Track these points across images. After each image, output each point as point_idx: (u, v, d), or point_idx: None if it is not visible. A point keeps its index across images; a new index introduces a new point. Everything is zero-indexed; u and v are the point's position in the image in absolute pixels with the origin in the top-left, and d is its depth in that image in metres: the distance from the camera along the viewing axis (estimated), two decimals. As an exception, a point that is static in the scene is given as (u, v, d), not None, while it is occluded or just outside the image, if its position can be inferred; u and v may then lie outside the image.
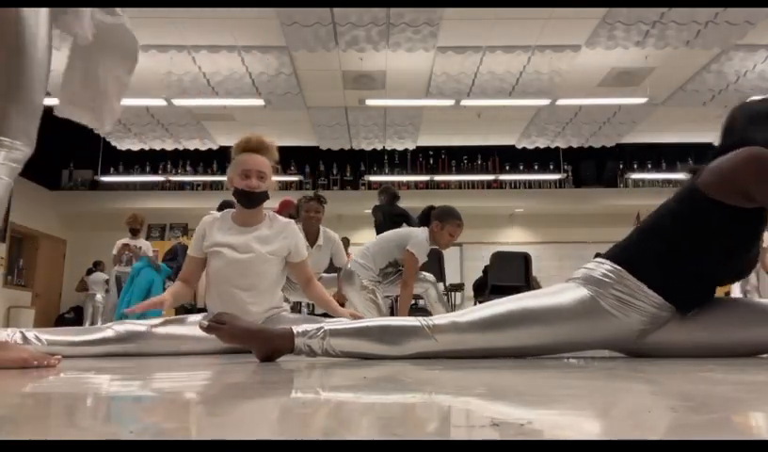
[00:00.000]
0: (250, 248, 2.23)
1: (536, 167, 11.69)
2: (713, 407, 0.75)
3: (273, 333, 1.64)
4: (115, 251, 6.77)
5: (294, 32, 6.21)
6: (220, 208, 6.19)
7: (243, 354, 2.26)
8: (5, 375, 1.23)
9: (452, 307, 7.13)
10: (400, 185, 10.51)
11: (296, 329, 1.62)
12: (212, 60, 6.93)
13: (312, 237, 3.72)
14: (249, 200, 2.22)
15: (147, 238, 11.18)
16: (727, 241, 1.52)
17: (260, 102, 7.91)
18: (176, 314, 5.58)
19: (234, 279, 2.23)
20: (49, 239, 11.40)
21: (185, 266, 2.37)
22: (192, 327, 2.24)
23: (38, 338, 1.91)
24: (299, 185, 11.25)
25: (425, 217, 3.50)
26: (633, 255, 1.57)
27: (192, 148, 10.12)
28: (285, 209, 5.08)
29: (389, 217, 5.42)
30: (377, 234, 5.31)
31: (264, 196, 2.25)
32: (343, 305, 2.91)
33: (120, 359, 1.93)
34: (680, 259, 1.50)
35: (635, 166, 11.56)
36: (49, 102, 1.45)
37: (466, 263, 11.19)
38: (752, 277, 6.15)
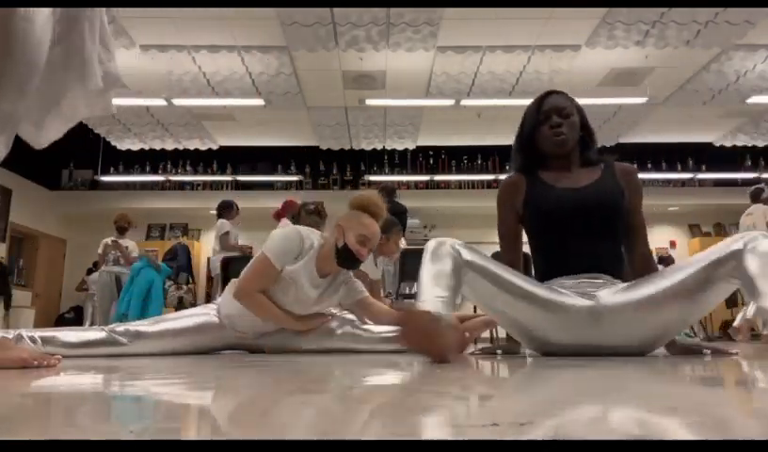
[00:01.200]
0: (307, 300, 2.29)
1: (536, 166, 11.68)
2: (713, 406, 0.75)
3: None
4: (100, 250, 6.70)
5: (294, 32, 6.21)
6: (220, 208, 6.20)
7: (243, 353, 2.26)
8: (5, 375, 1.23)
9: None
10: (400, 184, 10.53)
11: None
12: (212, 60, 6.92)
13: None
14: (352, 264, 2.28)
15: (146, 238, 11.24)
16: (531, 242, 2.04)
17: (260, 102, 7.90)
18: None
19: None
20: (49, 239, 11.40)
21: (266, 277, 2.22)
22: (190, 325, 2.25)
23: (33, 339, 1.91)
24: (299, 185, 11.25)
25: None
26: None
27: (192, 148, 10.12)
28: (288, 209, 5.06)
29: (390, 214, 5.41)
30: None
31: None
32: None
33: (120, 359, 1.93)
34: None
35: (635, 165, 11.53)
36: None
37: (466, 263, 11.18)
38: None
